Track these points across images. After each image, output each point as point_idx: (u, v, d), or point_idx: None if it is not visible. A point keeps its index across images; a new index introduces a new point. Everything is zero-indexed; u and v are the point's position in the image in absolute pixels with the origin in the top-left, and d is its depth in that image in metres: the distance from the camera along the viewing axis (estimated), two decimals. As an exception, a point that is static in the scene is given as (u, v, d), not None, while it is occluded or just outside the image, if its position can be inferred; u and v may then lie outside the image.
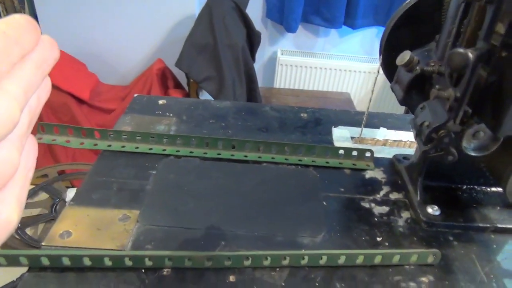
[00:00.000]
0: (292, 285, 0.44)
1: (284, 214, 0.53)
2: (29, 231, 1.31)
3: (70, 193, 1.33)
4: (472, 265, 0.48)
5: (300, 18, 1.87)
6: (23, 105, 0.17)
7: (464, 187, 0.58)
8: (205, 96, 1.63)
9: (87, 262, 0.43)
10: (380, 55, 0.60)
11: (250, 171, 0.60)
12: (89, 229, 0.48)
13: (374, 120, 0.76)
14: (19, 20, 0.17)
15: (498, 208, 0.54)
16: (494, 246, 0.51)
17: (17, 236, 1.26)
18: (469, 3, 0.42)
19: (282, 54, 2.00)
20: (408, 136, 0.72)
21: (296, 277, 0.45)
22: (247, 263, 0.45)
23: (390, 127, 0.74)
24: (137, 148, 0.61)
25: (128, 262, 0.43)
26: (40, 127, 0.61)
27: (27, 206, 1.39)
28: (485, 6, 0.39)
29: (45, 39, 0.19)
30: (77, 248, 0.45)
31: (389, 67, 0.60)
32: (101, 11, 1.71)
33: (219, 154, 0.62)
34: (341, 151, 0.63)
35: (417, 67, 0.47)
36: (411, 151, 0.68)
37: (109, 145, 0.61)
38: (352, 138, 0.70)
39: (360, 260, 0.46)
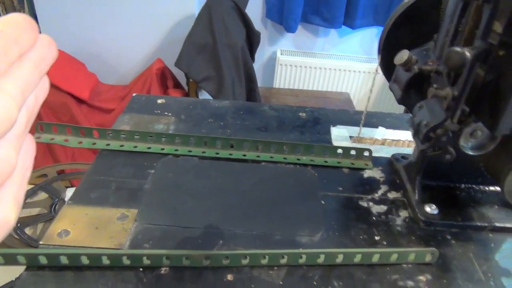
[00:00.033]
0: (290, 283, 0.44)
1: (282, 213, 0.53)
2: (28, 230, 1.31)
3: (70, 193, 1.33)
4: (470, 263, 0.48)
5: (299, 18, 1.87)
6: (21, 104, 0.17)
7: (462, 186, 0.58)
8: (204, 96, 1.63)
9: (85, 260, 0.43)
10: (378, 55, 0.60)
11: (249, 170, 0.60)
12: (87, 228, 0.48)
13: (372, 120, 0.76)
14: (17, 19, 0.17)
15: (496, 207, 0.54)
16: (492, 245, 0.51)
17: (16, 236, 1.26)
18: (467, 2, 0.42)
19: (281, 54, 2.00)
20: (407, 135, 0.72)
21: (294, 276, 0.45)
22: (245, 262, 0.45)
23: (388, 126, 0.74)
24: (135, 147, 0.61)
25: (126, 261, 0.43)
26: (38, 126, 0.61)
27: (26, 205, 1.39)
28: (482, 5, 0.39)
29: (43, 38, 0.19)
30: (75, 247, 0.45)
31: (387, 66, 0.60)
32: (100, 11, 1.71)
33: (217, 153, 0.62)
34: (340, 150, 0.63)
35: (415, 66, 0.47)
36: (409, 150, 0.68)
37: (108, 144, 0.61)
38: (350, 137, 0.70)
39: (358, 258, 0.46)
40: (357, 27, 1.90)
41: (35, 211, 1.40)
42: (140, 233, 0.48)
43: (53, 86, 1.55)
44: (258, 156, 0.62)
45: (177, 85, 1.81)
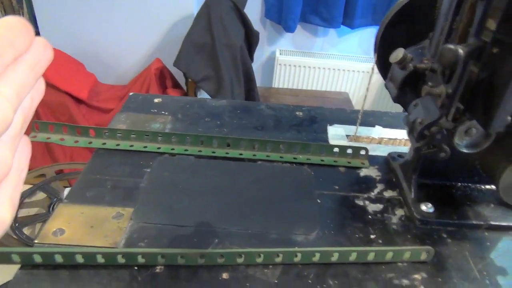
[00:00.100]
0: (285, 282, 0.44)
1: (278, 212, 0.53)
2: (26, 230, 1.31)
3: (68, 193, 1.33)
4: (466, 262, 0.48)
5: (298, 18, 1.87)
6: (16, 106, 0.17)
7: (458, 184, 0.58)
8: (203, 95, 1.63)
9: (79, 259, 0.43)
10: (374, 53, 0.60)
11: (245, 169, 0.60)
12: (83, 226, 0.48)
13: (369, 119, 0.76)
14: (12, 22, 0.18)
15: (492, 205, 0.54)
16: (488, 243, 0.51)
17: (14, 236, 1.26)
18: (461, 0, 0.42)
19: (280, 54, 2.00)
20: (403, 134, 0.72)
21: (289, 274, 0.45)
22: (240, 260, 0.45)
23: (385, 125, 0.74)
24: (131, 146, 0.61)
25: (121, 260, 0.43)
26: (34, 125, 0.61)
27: (25, 205, 1.39)
28: (476, 2, 0.39)
29: (39, 41, 0.19)
30: (70, 246, 0.45)
31: (383, 65, 0.60)
32: (99, 11, 1.71)
33: (214, 152, 0.62)
34: (336, 149, 0.63)
35: (410, 64, 0.47)
36: (406, 149, 0.68)
37: (104, 143, 0.61)
38: (347, 136, 0.70)
39: (353, 257, 0.46)
40: (356, 27, 1.90)
41: (33, 211, 1.40)
42: (135, 232, 0.48)
43: (51, 86, 1.55)
44: (254, 155, 0.62)
45: (176, 85, 1.81)
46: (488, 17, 0.37)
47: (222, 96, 1.51)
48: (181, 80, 1.79)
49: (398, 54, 0.48)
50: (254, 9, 1.91)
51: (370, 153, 0.63)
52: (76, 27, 1.74)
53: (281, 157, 0.62)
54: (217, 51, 1.49)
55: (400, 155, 0.63)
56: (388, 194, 0.58)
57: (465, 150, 0.45)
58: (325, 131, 0.71)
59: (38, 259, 0.42)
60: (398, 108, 0.59)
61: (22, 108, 0.19)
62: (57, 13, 1.71)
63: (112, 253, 0.43)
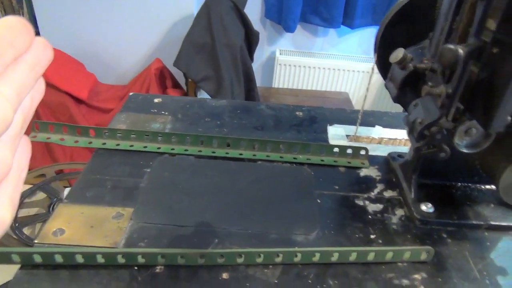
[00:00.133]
0: (285, 282, 0.44)
1: (278, 212, 0.53)
2: (26, 230, 1.31)
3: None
4: (466, 262, 0.48)
5: (298, 18, 1.87)
6: (16, 106, 0.17)
7: (459, 184, 0.58)
8: (203, 95, 1.63)
9: (79, 259, 0.43)
10: (374, 53, 0.60)
11: (245, 169, 0.60)
12: (83, 226, 0.48)
13: (369, 119, 0.76)
14: (12, 22, 0.18)
15: (492, 205, 0.54)
16: (488, 243, 0.51)
17: (14, 236, 1.26)
18: (461, 0, 0.42)
19: (280, 54, 2.00)
20: (403, 134, 0.72)
21: (289, 274, 0.45)
22: (240, 260, 0.45)
23: (385, 125, 0.74)
24: (131, 146, 0.61)
25: (121, 260, 0.43)
26: (34, 125, 0.61)
27: (25, 205, 1.39)
28: (476, 2, 0.39)
29: (39, 41, 0.19)
30: (70, 246, 0.45)
31: (383, 65, 0.60)
32: (99, 11, 1.71)
33: (214, 152, 0.62)
34: (336, 149, 0.63)
35: (410, 64, 0.47)
36: (406, 149, 0.68)
37: (104, 143, 0.61)
38: (347, 136, 0.70)
39: (353, 257, 0.46)
40: (356, 27, 1.90)
41: (33, 211, 1.40)
42: (135, 232, 0.48)
43: (52, 86, 1.55)
44: (254, 155, 0.62)
45: (176, 85, 1.81)
46: (488, 17, 0.37)
47: (222, 96, 1.51)
48: (181, 80, 1.79)
49: (398, 54, 0.48)
50: (254, 9, 1.91)
51: (370, 153, 0.63)
52: (76, 27, 1.74)
53: (281, 157, 0.62)
54: (217, 51, 1.49)
55: (400, 155, 0.63)
56: (388, 194, 0.58)
57: (465, 150, 0.45)
58: (325, 131, 0.71)
59: (38, 259, 0.42)
60: (398, 108, 0.59)
61: (22, 108, 0.19)
62: (57, 13, 1.71)
63: (112, 253, 0.43)
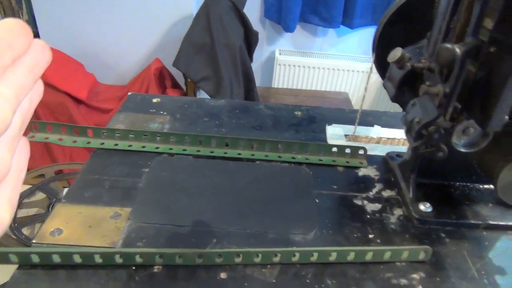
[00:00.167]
0: (283, 282, 0.44)
1: (276, 212, 0.53)
2: (25, 231, 1.31)
3: (67, 193, 1.33)
4: (464, 261, 0.48)
5: (298, 18, 1.87)
6: (15, 107, 0.17)
7: (457, 184, 0.58)
8: (202, 95, 1.63)
9: (77, 259, 0.43)
10: (373, 53, 0.60)
11: (243, 169, 0.60)
12: (81, 226, 0.48)
13: (368, 118, 0.76)
14: (11, 24, 0.18)
15: (490, 205, 0.54)
16: (486, 243, 0.51)
17: (13, 236, 1.26)
18: (458, -1, 0.42)
19: (280, 53, 2.00)
20: (402, 134, 0.72)
21: (287, 274, 0.45)
22: (238, 260, 0.45)
23: (384, 125, 0.74)
24: (130, 146, 0.61)
25: (119, 259, 0.43)
26: (32, 125, 0.61)
27: (24, 205, 1.39)
28: (473, 1, 0.39)
29: (38, 43, 0.20)
30: (67, 246, 0.45)
31: (382, 64, 0.60)
32: (99, 11, 1.71)
33: (212, 152, 0.62)
34: (335, 149, 0.63)
35: (408, 64, 0.47)
36: (404, 148, 0.68)
37: (102, 143, 0.61)
38: (346, 136, 0.70)
39: (351, 257, 0.46)
40: (355, 26, 1.90)
41: (32, 211, 1.40)
42: (133, 232, 0.48)
43: (51, 86, 1.55)
44: (253, 155, 0.62)
45: (175, 85, 1.81)
46: (485, 16, 0.37)
47: (221, 96, 1.51)
48: (181, 80, 1.79)
49: (396, 53, 0.48)
50: (253, 9, 1.91)
51: (369, 152, 0.63)
52: (76, 27, 1.74)
53: (279, 156, 0.62)
54: (217, 51, 1.49)
55: (398, 154, 0.63)
56: (386, 193, 0.58)
57: (463, 150, 0.45)
58: (323, 131, 0.71)
59: (35, 259, 0.42)
60: (397, 107, 0.59)
61: (21, 109, 0.19)
62: (57, 13, 1.71)
63: (110, 253, 0.43)
